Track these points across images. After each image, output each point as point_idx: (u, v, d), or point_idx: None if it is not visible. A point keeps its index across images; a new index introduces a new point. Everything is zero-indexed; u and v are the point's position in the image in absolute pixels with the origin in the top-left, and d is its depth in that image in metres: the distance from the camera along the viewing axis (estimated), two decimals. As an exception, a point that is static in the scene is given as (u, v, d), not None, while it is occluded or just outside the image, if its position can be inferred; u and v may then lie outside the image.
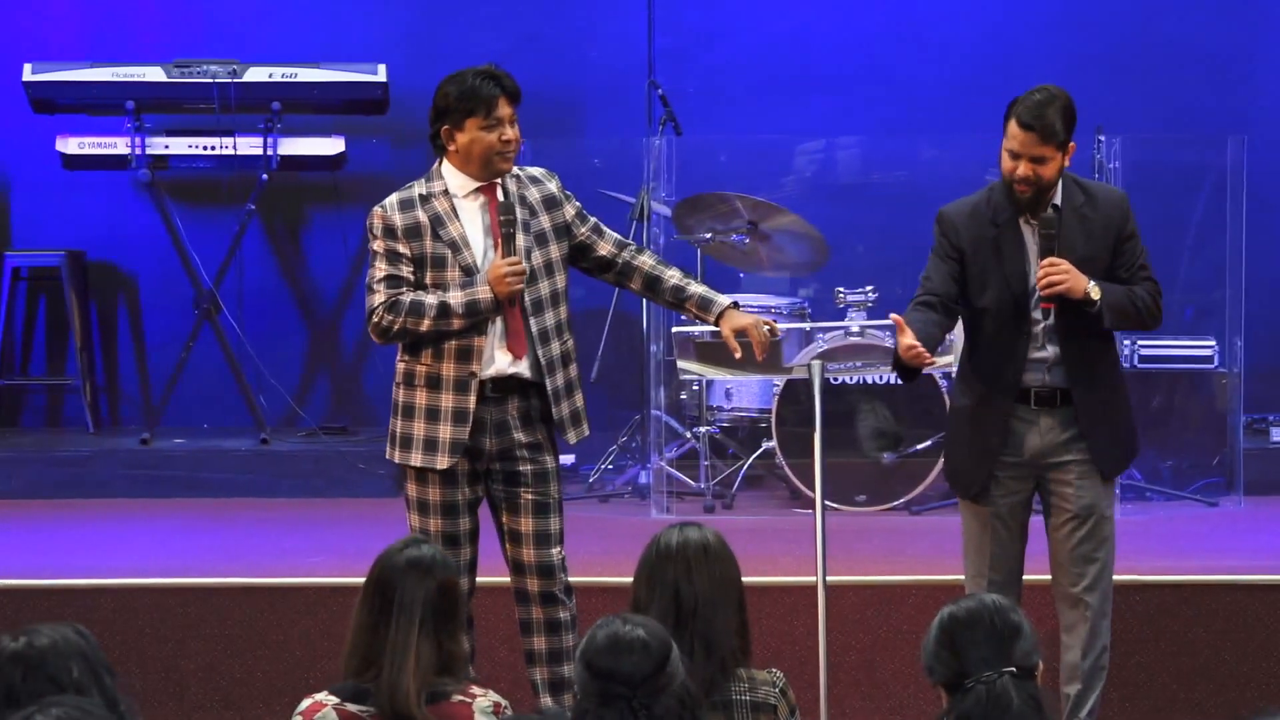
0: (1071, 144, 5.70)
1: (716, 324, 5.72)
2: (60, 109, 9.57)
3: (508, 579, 5.76)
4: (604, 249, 5.75)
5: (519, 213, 5.61)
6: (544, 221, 5.65)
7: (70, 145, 9.51)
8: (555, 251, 5.66)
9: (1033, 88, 5.71)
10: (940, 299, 5.77)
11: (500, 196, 5.61)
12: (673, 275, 5.78)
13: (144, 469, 9.05)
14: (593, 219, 5.79)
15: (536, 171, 5.75)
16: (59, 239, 9.89)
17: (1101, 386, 5.76)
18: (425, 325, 5.53)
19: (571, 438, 5.70)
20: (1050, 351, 5.73)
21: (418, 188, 5.63)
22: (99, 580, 6.91)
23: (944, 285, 5.78)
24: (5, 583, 6.92)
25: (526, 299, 5.58)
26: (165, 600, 6.81)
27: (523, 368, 5.60)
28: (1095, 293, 5.62)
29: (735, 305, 5.75)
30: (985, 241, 5.74)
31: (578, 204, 5.76)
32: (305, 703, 4.23)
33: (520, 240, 5.58)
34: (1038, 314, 5.69)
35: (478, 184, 5.61)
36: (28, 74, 9.44)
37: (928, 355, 5.54)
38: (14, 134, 9.94)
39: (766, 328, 5.67)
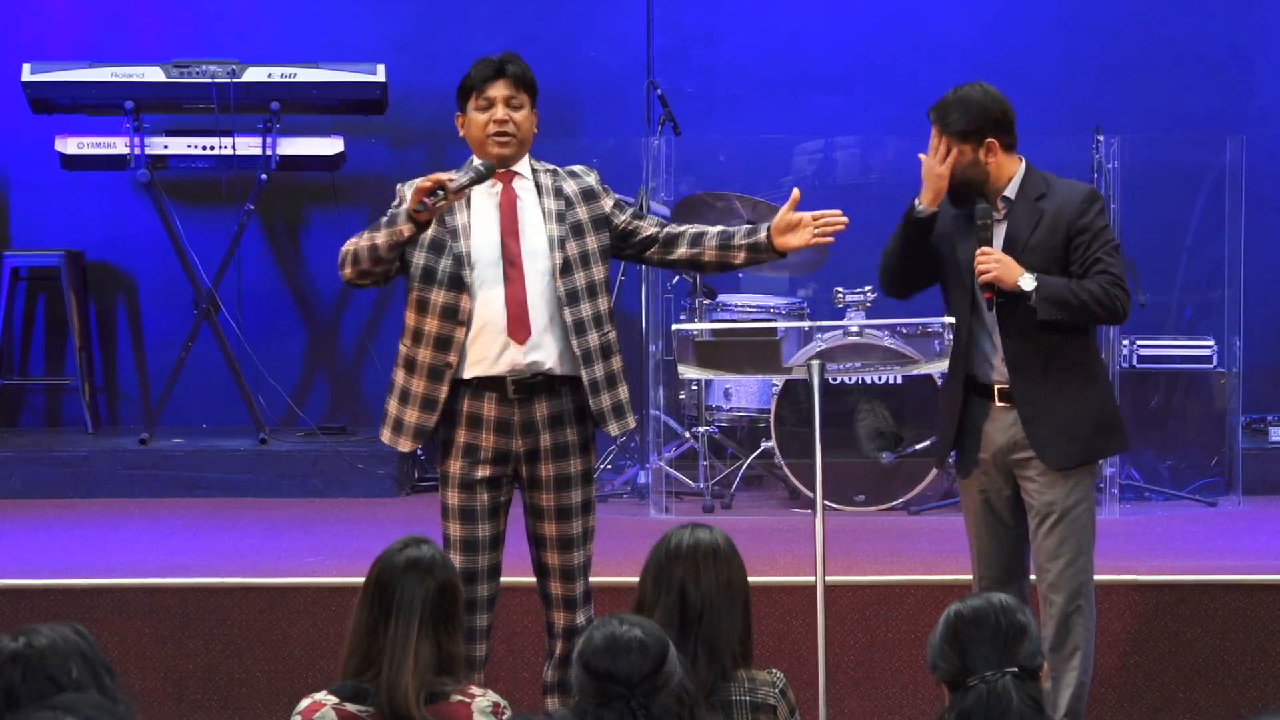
0: (990, 139, 5.67)
1: (770, 242, 5.65)
2: (59, 109, 9.56)
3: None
4: (648, 229, 5.72)
5: (557, 205, 5.60)
6: (581, 213, 5.64)
7: (69, 145, 9.50)
8: (592, 243, 5.64)
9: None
10: None
11: (516, 189, 5.61)
12: (715, 228, 5.77)
13: (143, 469, 9.04)
14: (632, 207, 5.82)
15: (576, 167, 5.76)
16: (58, 239, 9.90)
17: (1052, 378, 5.65)
18: (365, 240, 5.52)
19: (613, 430, 5.64)
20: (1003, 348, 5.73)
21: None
22: (98, 580, 6.91)
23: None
24: (5, 583, 6.91)
25: (561, 289, 5.54)
26: (164, 600, 6.81)
27: (547, 359, 5.54)
28: (1027, 284, 5.57)
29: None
30: (945, 234, 5.78)
31: (616, 196, 5.77)
32: (304, 702, 4.23)
33: (460, 183, 5.47)
34: (984, 304, 5.68)
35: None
36: (27, 74, 9.43)
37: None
38: (13, 134, 9.94)
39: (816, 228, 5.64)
